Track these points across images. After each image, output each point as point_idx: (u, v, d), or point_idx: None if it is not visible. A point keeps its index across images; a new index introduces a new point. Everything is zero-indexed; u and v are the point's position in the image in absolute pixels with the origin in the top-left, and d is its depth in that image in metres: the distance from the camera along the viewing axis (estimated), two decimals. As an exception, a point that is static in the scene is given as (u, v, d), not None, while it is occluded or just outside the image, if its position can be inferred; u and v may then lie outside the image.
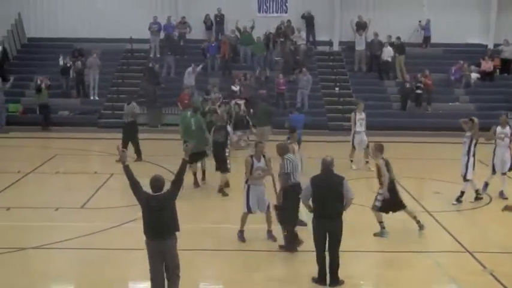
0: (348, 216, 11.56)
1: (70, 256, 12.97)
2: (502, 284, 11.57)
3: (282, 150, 13.30)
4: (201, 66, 30.49)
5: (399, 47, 32.20)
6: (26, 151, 24.38)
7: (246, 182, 13.53)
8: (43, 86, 28.74)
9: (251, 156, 13.56)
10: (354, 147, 21.48)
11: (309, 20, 34.15)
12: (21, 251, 12.92)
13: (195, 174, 18.46)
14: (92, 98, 30.63)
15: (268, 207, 13.52)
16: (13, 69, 32.51)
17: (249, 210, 13.47)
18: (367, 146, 20.58)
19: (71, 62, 30.57)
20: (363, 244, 13.55)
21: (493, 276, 11.88)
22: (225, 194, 17.53)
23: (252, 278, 11.91)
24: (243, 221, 13.63)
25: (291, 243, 12.82)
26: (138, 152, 21.66)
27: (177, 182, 9.96)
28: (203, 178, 18.75)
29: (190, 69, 29.64)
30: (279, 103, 29.86)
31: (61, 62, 30.64)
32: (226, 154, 17.93)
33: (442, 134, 27.17)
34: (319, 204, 11.22)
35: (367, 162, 21.07)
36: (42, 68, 31.12)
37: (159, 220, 9.73)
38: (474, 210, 16.56)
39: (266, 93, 29.04)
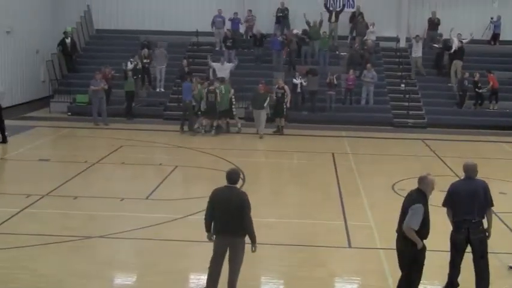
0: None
1: (134, 246, 13.06)
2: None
3: None
4: (234, 64, 30.28)
5: (459, 52, 30.74)
6: (92, 141, 24.69)
7: None
8: (129, 73, 28.87)
9: None
10: None
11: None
12: (87, 239, 13.07)
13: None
14: (158, 90, 30.93)
15: None
16: (81, 61, 33.19)
17: None
18: None
19: (138, 61, 29.97)
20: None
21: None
22: None
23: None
24: None
25: None
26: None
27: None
28: None
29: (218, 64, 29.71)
30: (347, 99, 29.85)
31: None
32: None
33: (507, 133, 26.59)
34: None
35: None
36: (110, 59, 31.40)
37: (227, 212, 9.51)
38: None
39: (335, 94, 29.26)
